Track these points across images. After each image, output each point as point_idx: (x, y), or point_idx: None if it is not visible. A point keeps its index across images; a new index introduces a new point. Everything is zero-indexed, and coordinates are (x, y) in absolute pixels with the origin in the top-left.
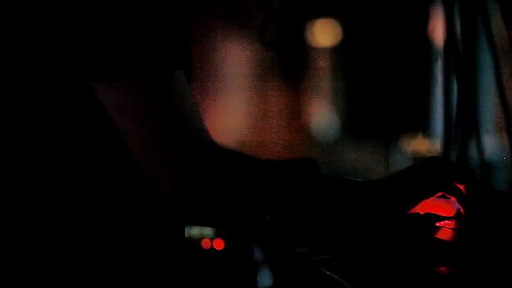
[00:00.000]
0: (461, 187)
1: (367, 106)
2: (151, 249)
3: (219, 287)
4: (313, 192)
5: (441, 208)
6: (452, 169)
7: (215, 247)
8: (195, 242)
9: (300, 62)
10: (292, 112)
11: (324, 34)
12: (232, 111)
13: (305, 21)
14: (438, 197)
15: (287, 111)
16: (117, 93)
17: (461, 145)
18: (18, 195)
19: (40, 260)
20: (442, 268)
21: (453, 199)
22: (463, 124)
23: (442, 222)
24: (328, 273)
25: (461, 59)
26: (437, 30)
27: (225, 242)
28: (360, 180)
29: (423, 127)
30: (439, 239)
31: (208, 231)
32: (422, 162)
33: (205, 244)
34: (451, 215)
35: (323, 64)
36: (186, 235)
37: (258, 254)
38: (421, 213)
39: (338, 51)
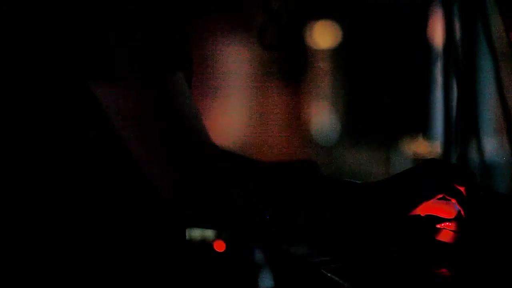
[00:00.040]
0: (462, 189)
1: (367, 107)
2: (151, 249)
3: None
4: (313, 193)
5: (442, 210)
6: (452, 171)
7: (216, 249)
8: (207, 244)
9: (300, 63)
10: (292, 114)
11: (324, 35)
12: (232, 113)
13: (305, 23)
14: (439, 199)
15: (287, 112)
16: (117, 93)
17: (461, 147)
18: (18, 195)
19: (41, 260)
20: (443, 270)
21: (453, 201)
22: (463, 126)
23: (442, 224)
24: (329, 275)
25: (461, 61)
26: (437, 32)
27: (226, 244)
28: (360, 182)
29: (423, 129)
30: (439, 241)
31: (209, 233)
32: (422, 164)
33: (219, 246)
34: (451, 217)
35: (323, 65)
36: (187, 236)
37: (259, 256)
38: (422, 215)
39: (338, 53)
